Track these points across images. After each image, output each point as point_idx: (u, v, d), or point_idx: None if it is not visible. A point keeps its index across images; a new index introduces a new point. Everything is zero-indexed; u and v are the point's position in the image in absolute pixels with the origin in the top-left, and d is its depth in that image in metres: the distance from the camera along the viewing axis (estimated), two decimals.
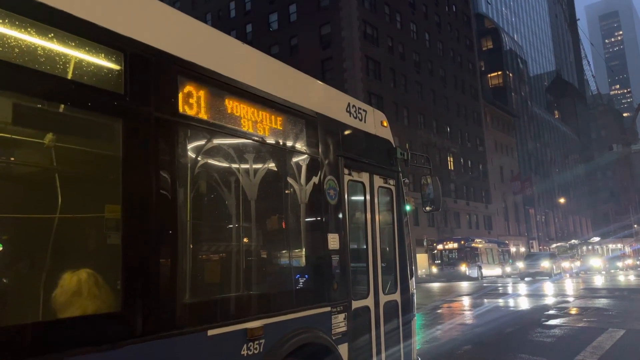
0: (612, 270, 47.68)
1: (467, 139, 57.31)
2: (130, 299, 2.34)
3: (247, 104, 3.30)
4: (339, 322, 3.85)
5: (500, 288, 25.42)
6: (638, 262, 57.79)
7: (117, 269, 2.36)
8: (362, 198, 4.60)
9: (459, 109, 56.35)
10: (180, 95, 2.80)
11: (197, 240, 3.04)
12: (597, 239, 61.94)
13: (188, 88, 2.86)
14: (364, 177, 4.62)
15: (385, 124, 5.18)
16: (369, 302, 4.34)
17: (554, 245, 54.79)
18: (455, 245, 36.11)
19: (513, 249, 54.21)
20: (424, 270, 40.70)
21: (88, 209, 2.55)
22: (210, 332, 2.69)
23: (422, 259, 42.03)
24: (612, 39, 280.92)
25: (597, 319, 12.17)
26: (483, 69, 68.20)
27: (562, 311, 14.20)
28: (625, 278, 34.62)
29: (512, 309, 15.78)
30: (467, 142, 57.07)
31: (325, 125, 4.11)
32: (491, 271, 36.72)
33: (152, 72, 2.66)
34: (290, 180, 3.74)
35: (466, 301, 18.39)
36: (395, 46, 46.72)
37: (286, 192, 3.73)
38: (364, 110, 4.83)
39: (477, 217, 57.36)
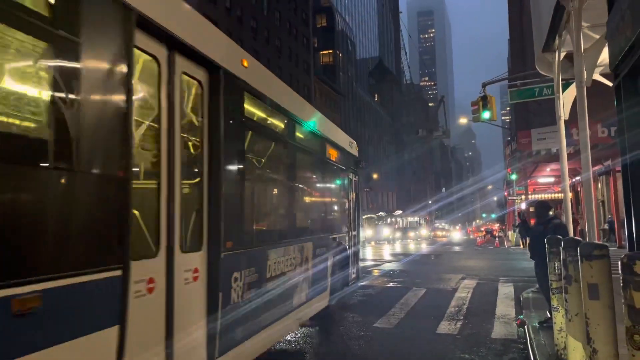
0: (403, 241, 52.80)
1: None
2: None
3: (330, 147, 8.51)
4: (348, 240, 9.46)
5: None
6: (430, 233, 66.58)
7: None
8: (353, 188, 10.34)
9: (291, 82, 57.65)
10: None
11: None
12: (399, 212, 69.71)
13: None
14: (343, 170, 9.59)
15: (356, 147, 10.70)
16: (350, 233, 9.69)
17: (364, 217, 60.09)
18: None
19: None
20: None
21: None
22: (331, 236, 8.24)
23: None
24: (426, 35, 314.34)
25: (403, 280, 13.79)
26: (316, 45, 70.62)
27: (370, 274, 15.75)
28: (416, 246, 39.61)
29: None
30: None
31: (341, 148, 9.31)
32: None
33: None
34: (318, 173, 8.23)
35: None
36: (234, 9, 45.68)
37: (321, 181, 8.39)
38: (350, 141, 10.27)
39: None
